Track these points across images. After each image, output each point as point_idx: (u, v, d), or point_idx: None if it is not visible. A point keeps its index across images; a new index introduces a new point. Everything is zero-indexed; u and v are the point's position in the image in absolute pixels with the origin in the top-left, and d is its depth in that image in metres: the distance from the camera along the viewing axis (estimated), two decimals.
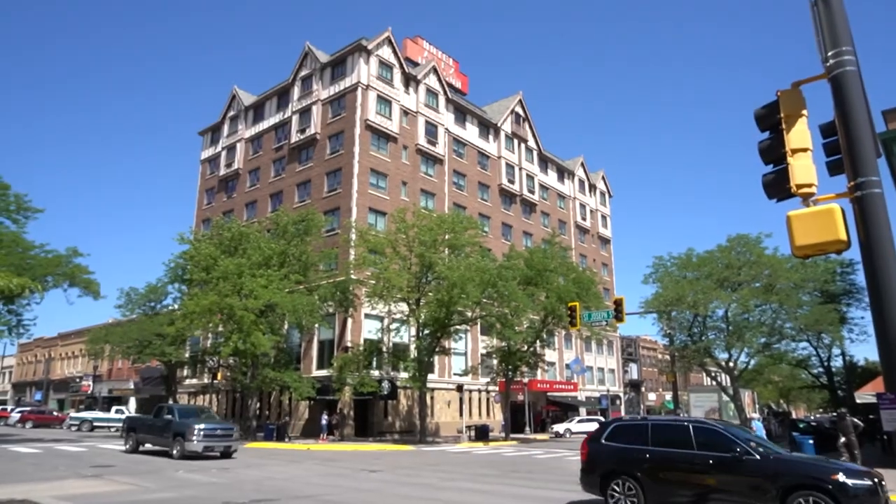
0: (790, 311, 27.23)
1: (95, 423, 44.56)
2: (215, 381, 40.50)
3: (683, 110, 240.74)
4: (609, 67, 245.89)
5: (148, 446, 23.13)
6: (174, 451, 20.59)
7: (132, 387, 61.35)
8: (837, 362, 39.25)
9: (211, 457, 20.74)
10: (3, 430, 41.33)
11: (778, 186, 7.03)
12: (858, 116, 6.27)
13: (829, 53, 6.50)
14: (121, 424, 44.12)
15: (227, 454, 21.11)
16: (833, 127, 6.85)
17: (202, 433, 20.35)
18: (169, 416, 21.89)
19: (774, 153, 7.19)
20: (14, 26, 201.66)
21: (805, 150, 6.84)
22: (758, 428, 22.40)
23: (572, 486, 15.29)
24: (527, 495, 13.68)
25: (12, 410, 51.81)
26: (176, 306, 38.97)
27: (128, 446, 23.17)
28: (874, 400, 23.88)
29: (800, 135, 6.90)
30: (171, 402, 38.29)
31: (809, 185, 6.69)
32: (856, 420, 22.02)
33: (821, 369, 38.54)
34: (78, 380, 66.89)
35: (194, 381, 45.64)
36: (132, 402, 59.46)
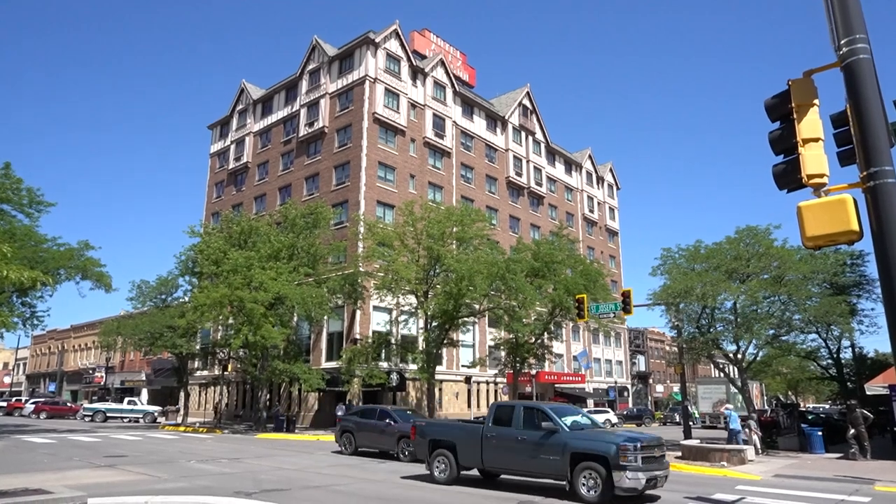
0: (799, 303, 27.01)
1: (109, 414, 45.11)
2: (226, 373, 40.83)
3: (692, 101, 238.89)
4: (617, 59, 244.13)
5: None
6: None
7: (144, 378, 61.95)
8: (847, 354, 39.01)
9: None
10: (18, 421, 41.93)
11: (789, 177, 6.98)
12: (872, 105, 6.21)
13: (843, 41, 6.43)
14: (134, 415, 45.06)
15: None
16: (844, 117, 6.78)
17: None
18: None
19: (785, 143, 7.13)
20: (24, 16, 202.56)
21: (817, 139, 6.79)
22: (731, 418, 22.49)
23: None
24: (531, 484, 13.75)
25: (27, 401, 52.52)
26: (187, 299, 39.25)
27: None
28: (884, 392, 23.80)
29: (811, 124, 6.84)
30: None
31: (821, 176, 6.64)
32: (865, 412, 21.94)
33: (830, 361, 38.29)
34: (91, 371, 67.63)
35: (205, 372, 46.02)
36: (144, 393, 60.08)
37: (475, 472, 14.18)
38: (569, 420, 12.58)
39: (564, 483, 11.90)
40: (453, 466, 13.44)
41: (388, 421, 19.82)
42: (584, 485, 11.38)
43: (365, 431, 20.50)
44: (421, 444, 14.33)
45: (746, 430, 22.23)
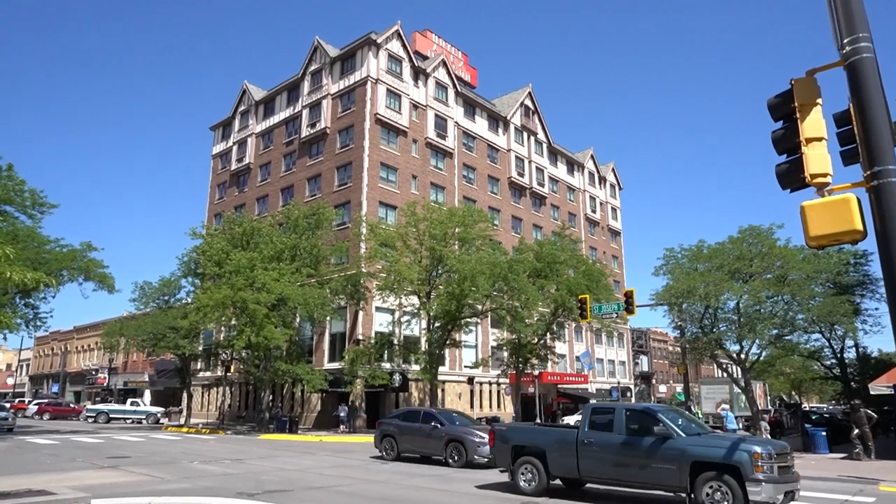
0: (803, 303, 26.94)
1: (111, 415, 45.19)
2: (228, 374, 40.89)
3: (695, 101, 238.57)
4: (618, 59, 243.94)
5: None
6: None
7: (147, 379, 62.08)
8: (850, 353, 38.93)
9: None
10: (21, 422, 41.98)
11: (792, 176, 6.95)
12: (875, 104, 6.18)
13: (846, 40, 6.41)
14: (137, 416, 45.13)
15: None
16: (847, 116, 6.75)
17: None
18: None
19: (788, 142, 7.11)
20: (25, 17, 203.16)
21: (820, 139, 6.76)
22: (728, 418, 22.50)
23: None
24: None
25: (30, 402, 52.63)
26: (189, 300, 39.32)
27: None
28: (888, 391, 23.70)
29: (814, 124, 6.81)
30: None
31: (824, 175, 6.61)
32: (869, 412, 21.86)
33: (833, 361, 38.22)
34: (94, 372, 67.75)
35: (208, 373, 46.08)
36: (147, 394, 60.17)
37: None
38: (680, 423, 11.19)
39: (683, 496, 10.60)
40: (542, 475, 12.14)
41: (433, 424, 18.67)
42: (709, 498, 9.92)
43: (408, 435, 19.24)
44: (502, 451, 13.08)
45: (757, 431, 22.11)
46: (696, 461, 10.24)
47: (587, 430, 11.78)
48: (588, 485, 12.76)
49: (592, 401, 55.33)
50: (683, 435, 10.73)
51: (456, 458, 17.49)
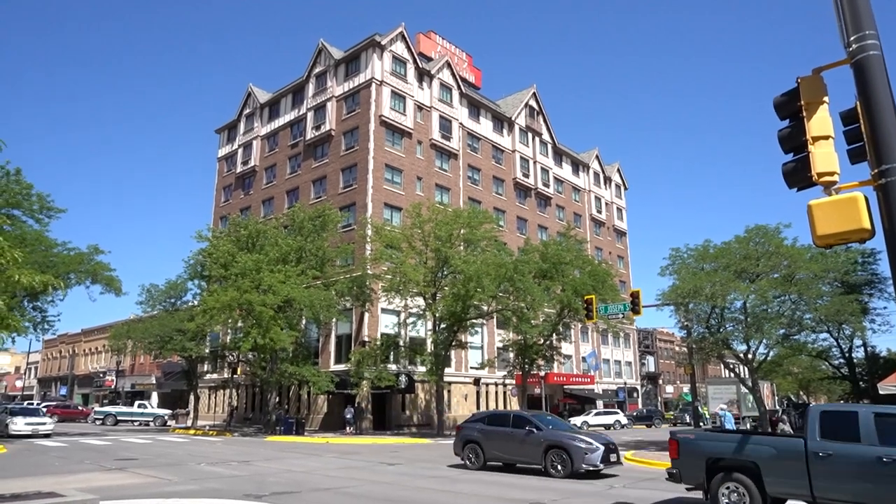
0: (810, 302, 26.82)
1: (119, 417, 45.41)
2: (235, 376, 41.03)
3: (700, 101, 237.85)
4: (623, 59, 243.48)
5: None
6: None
7: (154, 382, 62.34)
8: (859, 353, 38.69)
9: None
10: None
11: (798, 175, 6.92)
12: (883, 102, 6.14)
13: (852, 38, 6.37)
14: (145, 418, 45.34)
15: None
16: (854, 114, 6.72)
17: None
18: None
19: (794, 141, 7.07)
20: (25, 17, 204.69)
21: (827, 137, 6.73)
22: (726, 418, 22.36)
23: (589, 477, 15.34)
24: (546, 486, 13.72)
25: (38, 405, 52.94)
26: (196, 302, 39.48)
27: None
28: None
29: (821, 122, 6.78)
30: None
31: (831, 174, 6.57)
32: None
33: (842, 360, 37.99)
34: (101, 375, 68.11)
35: (214, 375, 46.26)
36: (154, 396, 60.41)
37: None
38: None
39: None
40: (755, 497, 9.71)
41: (528, 428, 16.70)
42: None
43: (497, 441, 17.21)
44: (692, 464, 10.61)
45: (778, 431, 21.93)
46: None
47: (819, 440, 9.43)
48: None
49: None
50: None
51: (559, 467, 15.63)
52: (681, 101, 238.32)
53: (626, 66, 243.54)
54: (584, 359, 58.48)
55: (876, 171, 6.11)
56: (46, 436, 29.38)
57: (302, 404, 41.58)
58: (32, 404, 55.79)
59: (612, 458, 15.84)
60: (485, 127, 53.91)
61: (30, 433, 29.14)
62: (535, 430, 16.63)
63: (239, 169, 54.47)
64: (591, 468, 15.38)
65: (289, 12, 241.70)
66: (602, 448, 15.52)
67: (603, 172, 71.89)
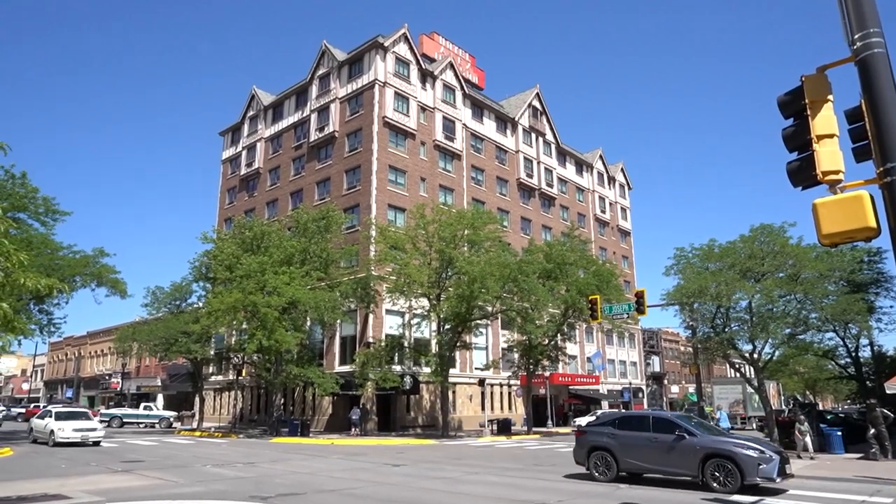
0: (816, 301, 26.71)
1: (125, 419, 45.56)
2: (240, 378, 41.11)
3: (704, 100, 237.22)
4: (625, 59, 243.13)
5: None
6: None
7: (159, 384, 62.52)
8: (865, 352, 38.45)
9: None
10: None
11: (803, 174, 6.89)
12: (887, 100, 6.12)
13: (856, 36, 6.35)
14: (150, 420, 45.46)
15: None
16: (859, 112, 6.69)
17: None
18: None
19: (799, 140, 7.05)
20: (30, 19, 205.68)
21: (831, 136, 6.70)
22: (722, 417, 22.33)
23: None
24: (551, 488, 13.69)
25: (44, 408, 53.14)
26: (201, 304, 39.57)
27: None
28: None
29: (826, 120, 6.76)
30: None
31: (836, 172, 6.55)
32: (885, 411, 21.58)
33: (848, 360, 37.77)
34: (107, 377, 68.37)
35: (220, 377, 46.35)
36: (160, 398, 60.58)
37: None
38: None
39: None
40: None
41: (678, 433, 13.94)
42: None
43: (635, 448, 14.44)
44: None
45: (796, 433, 21.74)
46: None
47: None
48: None
49: (604, 403, 54.97)
50: None
51: (724, 479, 12.88)
52: (682, 101, 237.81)
53: (628, 66, 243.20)
54: (588, 359, 58.32)
55: (881, 169, 6.09)
56: (96, 443, 24.80)
57: (307, 406, 41.62)
58: (38, 405, 56.04)
59: (788, 469, 13.31)
60: (488, 127, 53.89)
61: (79, 440, 24.33)
62: (686, 434, 13.90)
63: (243, 171, 54.60)
64: (766, 481, 12.71)
65: (291, 13, 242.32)
66: (777, 458, 12.82)
67: (607, 172, 71.74)
